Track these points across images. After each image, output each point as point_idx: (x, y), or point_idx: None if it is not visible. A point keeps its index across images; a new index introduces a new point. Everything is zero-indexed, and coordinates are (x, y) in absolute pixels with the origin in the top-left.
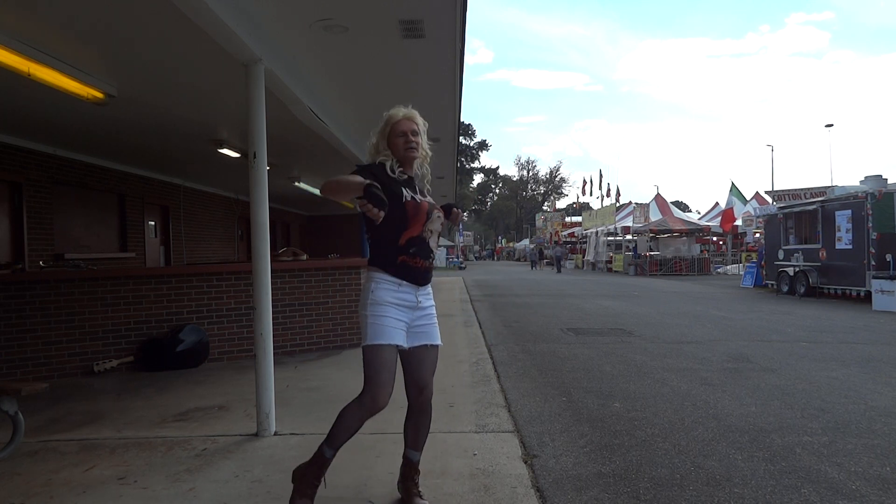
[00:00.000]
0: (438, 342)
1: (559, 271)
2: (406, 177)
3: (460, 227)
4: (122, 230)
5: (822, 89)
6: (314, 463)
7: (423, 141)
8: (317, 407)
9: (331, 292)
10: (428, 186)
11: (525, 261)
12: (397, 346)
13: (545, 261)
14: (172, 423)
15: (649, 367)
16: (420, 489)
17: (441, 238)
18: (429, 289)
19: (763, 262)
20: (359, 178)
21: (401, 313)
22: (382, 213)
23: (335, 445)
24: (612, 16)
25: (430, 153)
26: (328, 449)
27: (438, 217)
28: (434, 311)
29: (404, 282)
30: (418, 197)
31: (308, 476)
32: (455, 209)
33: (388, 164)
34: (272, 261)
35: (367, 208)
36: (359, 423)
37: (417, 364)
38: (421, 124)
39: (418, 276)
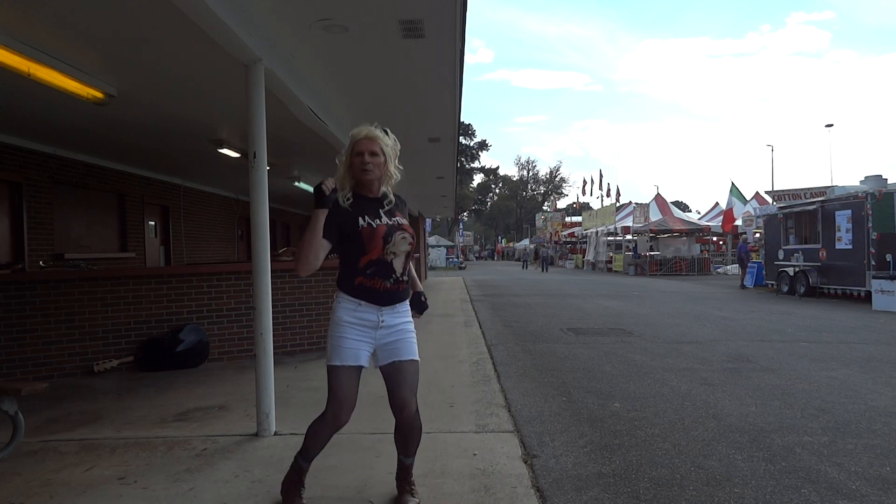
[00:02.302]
0: (410, 357)
1: (545, 271)
2: (371, 196)
3: (460, 227)
4: (122, 230)
5: (823, 89)
6: (293, 473)
7: (390, 163)
8: (317, 407)
9: (331, 292)
10: (392, 201)
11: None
12: (357, 366)
13: (538, 261)
14: (172, 423)
15: (649, 367)
16: (413, 487)
17: (441, 238)
18: (398, 308)
19: (743, 259)
20: (316, 215)
21: (362, 333)
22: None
23: (309, 458)
24: (612, 15)
25: (397, 176)
26: (303, 461)
27: (403, 238)
28: (407, 328)
29: (363, 302)
30: (377, 221)
31: (291, 486)
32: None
33: (340, 196)
34: (272, 261)
35: (323, 190)
36: (327, 436)
37: (393, 382)
38: (386, 145)
39: (378, 296)
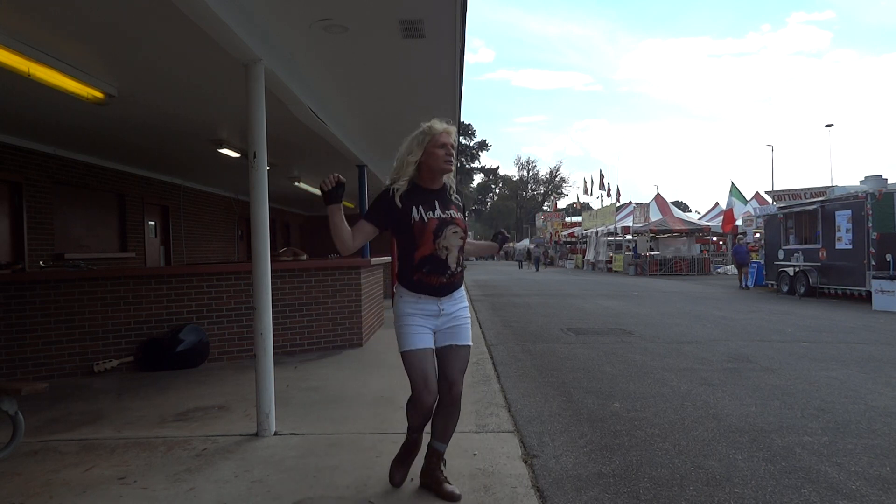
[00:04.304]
0: (464, 342)
1: (537, 270)
2: (433, 189)
3: None
4: (122, 230)
5: (823, 89)
6: (406, 444)
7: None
8: (316, 407)
9: (331, 292)
10: (455, 196)
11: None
12: (425, 348)
13: (529, 260)
14: (172, 423)
15: (649, 367)
16: (447, 476)
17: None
18: (454, 296)
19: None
20: (330, 211)
21: (424, 320)
22: (329, 184)
23: (412, 430)
24: (612, 15)
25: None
26: (412, 433)
27: (455, 233)
28: (463, 314)
29: (423, 295)
30: (430, 214)
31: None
32: (502, 236)
33: (399, 186)
34: (272, 261)
35: (323, 184)
36: (415, 418)
37: (446, 362)
38: (456, 140)
39: (435, 290)
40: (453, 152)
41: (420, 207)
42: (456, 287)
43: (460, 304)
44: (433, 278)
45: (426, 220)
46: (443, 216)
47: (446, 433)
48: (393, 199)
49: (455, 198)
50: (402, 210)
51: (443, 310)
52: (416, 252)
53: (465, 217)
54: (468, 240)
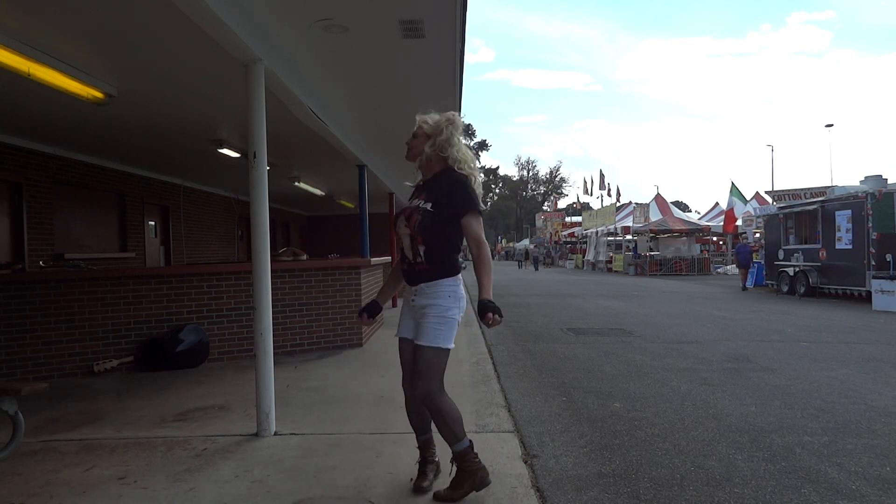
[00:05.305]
0: (422, 342)
1: (536, 269)
2: (426, 179)
3: None
4: (122, 230)
5: (823, 89)
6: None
7: (425, 143)
8: (317, 407)
9: (331, 292)
10: (441, 177)
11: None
12: (403, 337)
13: (528, 260)
14: (172, 423)
15: (649, 367)
16: (453, 468)
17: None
18: (425, 289)
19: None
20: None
21: (407, 309)
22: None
23: (419, 432)
24: (612, 15)
25: (428, 151)
26: (419, 435)
27: (404, 224)
28: (429, 311)
29: (408, 284)
30: (411, 202)
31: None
32: (488, 314)
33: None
34: (272, 261)
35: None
36: (406, 407)
37: (408, 358)
38: (426, 126)
39: (405, 276)
40: (409, 142)
41: (414, 199)
42: (421, 279)
43: (432, 299)
44: (402, 263)
45: (402, 207)
46: (410, 205)
47: (439, 431)
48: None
49: (434, 184)
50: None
51: (413, 300)
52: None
53: (464, 203)
54: (481, 260)
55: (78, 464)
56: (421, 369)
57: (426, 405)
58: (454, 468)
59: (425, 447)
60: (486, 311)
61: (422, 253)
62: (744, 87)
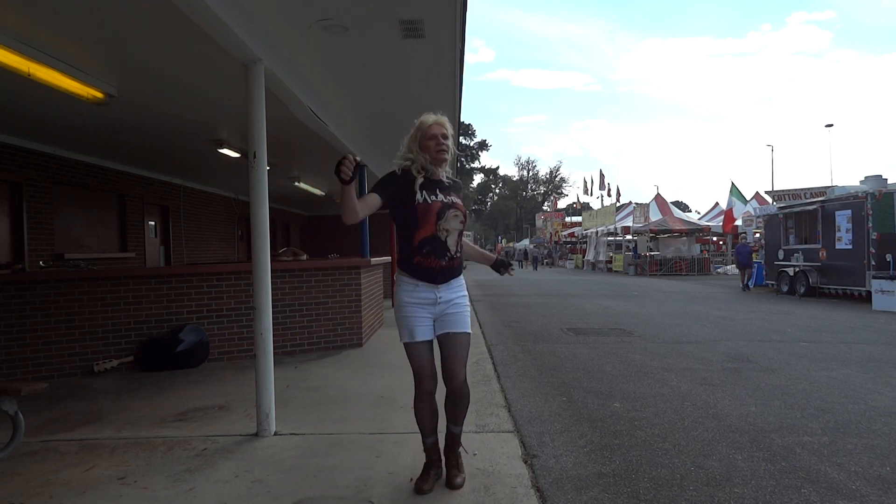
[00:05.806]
0: (461, 329)
1: (535, 269)
2: (434, 178)
3: None
4: (122, 230)
5: (823, 89)
6: (428, 454)
7: (451, 144)
8: (317, 407)
9: (331, 292)
10: (450, 180)
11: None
12: (422, 340)
13: (527, 260)
14: (172, 423)
15: (649, 367)
16: (460, 461)
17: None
18: (452, 284)
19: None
20: (343, 189)
21: (422, 310)
22: (348, 173)
23: (425, 434)
24: (612, 15)
25: (456, 153)
26: (425, 438)
27: (455, 216)
28: (461, 301)
29: (421, 282)
30: (433, 198)
31: (450, 452)
32: (503, 268)
33: (412, 168)
34: (272, 261)
35: (343, 172)
36: (425, 409)
37: (446, 351)
38: (450, 129)
39: (434, 275)
40: (444, 142)
41: (424, 191)
42: (454, 274)
43: (459, 291)
44: (433, 261)
45: (430, 201)
46: (445, 200)
47: (457, 417)
48: (405, 175)
49: (455, 181)
50: (408, 189)
51: (440, 297)
52: (417, 233)
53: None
54: (468, 241)
55: (78, 464)
56: (463, 355)
57: (463, 391)
58: (460, 454)
59: (432, 449)
60: (505, 266)
61: (459, 248)
62: (744, 87)
